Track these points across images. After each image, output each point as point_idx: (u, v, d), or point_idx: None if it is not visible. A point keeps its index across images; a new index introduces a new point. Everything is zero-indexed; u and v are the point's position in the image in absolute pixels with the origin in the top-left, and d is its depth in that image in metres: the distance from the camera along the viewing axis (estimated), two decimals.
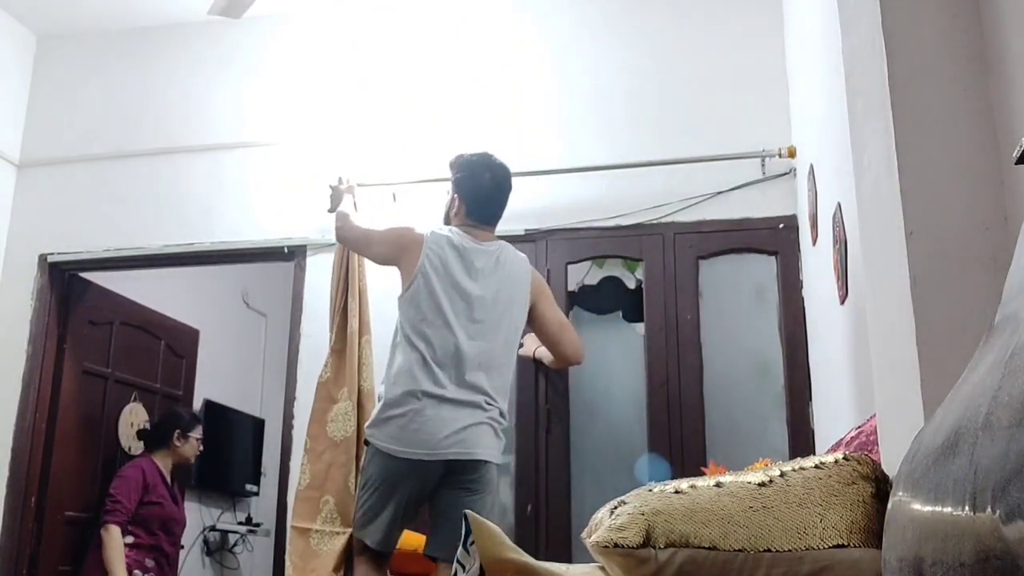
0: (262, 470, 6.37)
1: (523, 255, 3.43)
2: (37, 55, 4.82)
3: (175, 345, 5.24)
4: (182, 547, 4.75)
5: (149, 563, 4.26)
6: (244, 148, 4.46)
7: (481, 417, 3.08)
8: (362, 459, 3.29)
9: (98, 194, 4.55)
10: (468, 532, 1.62)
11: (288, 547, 3.56)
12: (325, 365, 3.77)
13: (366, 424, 3.26)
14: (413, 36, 4.41)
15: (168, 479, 4.52)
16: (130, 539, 4.21)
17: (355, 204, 3.85)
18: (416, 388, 3.05)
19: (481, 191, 3.35)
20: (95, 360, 4.68)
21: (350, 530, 3.39)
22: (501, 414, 3.16)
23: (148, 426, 4.82)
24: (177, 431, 4.58)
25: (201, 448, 4.72)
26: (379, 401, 3.19)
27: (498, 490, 3.19)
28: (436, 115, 4.25)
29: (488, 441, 3.09)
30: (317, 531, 3.49)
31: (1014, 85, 1.47)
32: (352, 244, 3.63)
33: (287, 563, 3.51)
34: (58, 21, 4.71)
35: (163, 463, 4.51)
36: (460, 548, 1.69)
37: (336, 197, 3.82)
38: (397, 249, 3.35)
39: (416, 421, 3.01)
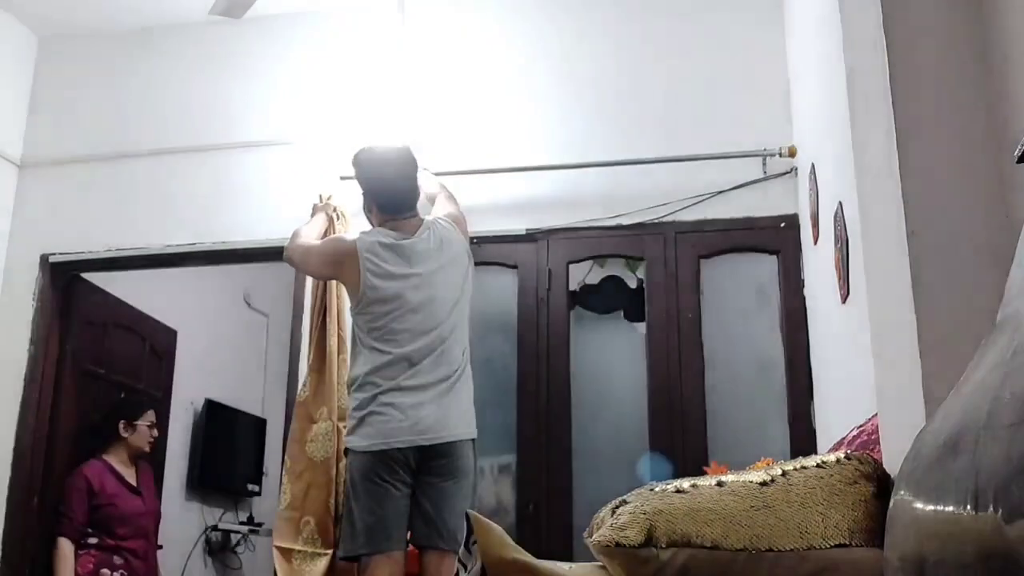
0: (264, 470, 6.37)
1: (445, 220, 3.40)
2: (38, 56, 4.81)
3: (156, 345, 5.23)
4: (160, 546, 4.60)
5: (117, 561, 4.20)
6: (245, 148, 4.46)
7: (449, 395, 3.09)
8: (344, 474, 3.28)
9: (100, 194, 4.55)
10: (470, 532, 1.62)
11: (275, 566, 3.51)
12: (303, 384, 3.73)
13: (344, 435, 3.26)
14: (415, 35, 4.41)
15: (125, 474, 4.37)
16: (93, 540, 4.18)
17: (332, 221, 3.84)
18: (381, 385, 3.06)
19: (384, 189, 3.34)
20: (92, 360, 4.67)
21: (331, 551, 3.38)
22: (465, 378, 3.17)
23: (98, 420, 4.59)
24: (122, 422, 4.42)
25: (155, 434, 4.52)
26: (349, 411, 3.19)
27: (477, 469, 3.18)
28: (437, 114, 4.24)
29: (457, 417, 3.09)
30: (299, 552, 3.46)
31: (1015, 84, 1.47)
32: (296, 264, 3.61)
33: None
34: (59, 22, 4.71)
35: (118, 458, 4.37)
36: (462, 548, 1.70)
37: (312, 213, 3.84)
38: (332, 266, 3.37)
39: (385, 414, 3.03)
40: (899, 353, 1.58)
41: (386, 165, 3.36)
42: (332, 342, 3.74)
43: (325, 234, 3.80)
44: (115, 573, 4.19)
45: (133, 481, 4.42)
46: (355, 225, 3.93)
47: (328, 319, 3.78)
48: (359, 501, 3.02)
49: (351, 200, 3.96)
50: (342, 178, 4.03)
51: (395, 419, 3.02)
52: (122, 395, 4.78)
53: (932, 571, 0.94)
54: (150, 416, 4.53)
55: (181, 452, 5.65)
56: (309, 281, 4.06)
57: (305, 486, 3.53)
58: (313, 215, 3.88)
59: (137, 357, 5.06)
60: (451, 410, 3.08)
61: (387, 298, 3.16)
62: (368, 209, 3.40)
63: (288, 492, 3.56)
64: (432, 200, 3.58)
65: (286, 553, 3.48)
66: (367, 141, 3.67)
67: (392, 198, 3.34)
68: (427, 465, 3.05)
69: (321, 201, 3.94)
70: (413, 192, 3.40)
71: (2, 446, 4.29)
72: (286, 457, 3.67)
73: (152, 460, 4.69)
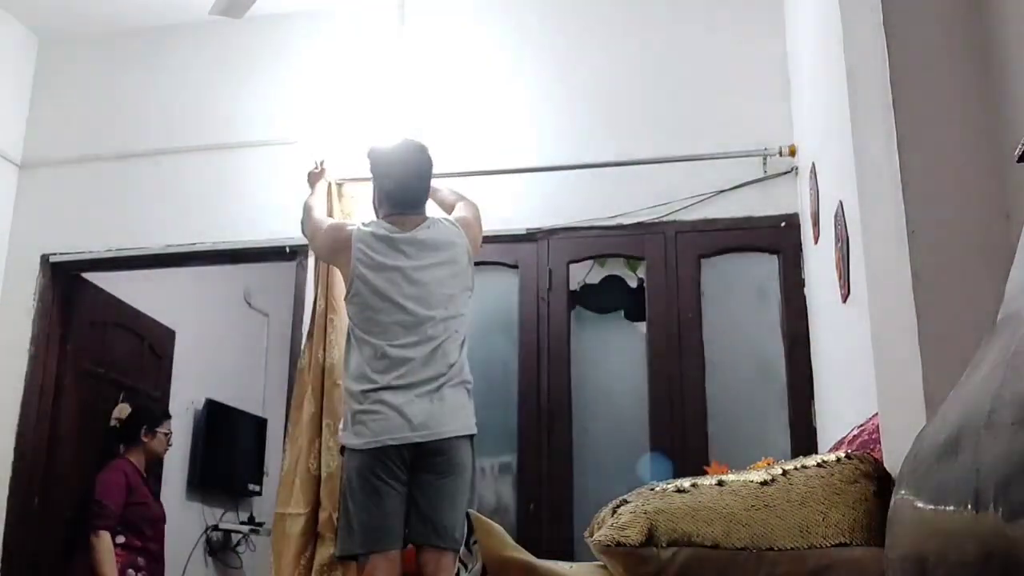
0: (264, 470, 6.37)
1: (451, 220, 3.39)
2: (39, 56, 4.82)
3: (156, 345, 5.24)
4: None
5: (140, 562, 4.26)
6: (246, 148, 4.46)
7: (441, 392, 3.08)
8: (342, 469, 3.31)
9: (100, 194, 4.55)
10: (471, 531, 1.62)
11: (272, 534, 3.64)
12: (302, 352, 3.81)
13: (339, 426, 3.28)
14: (416, 35, 4.41)
15: (145, 476, 4.49)
16: (121, 539, 4.20)
17: (331, 188, 3.87)
18: (375, 382, 3.06)
19: (396, 184, 3.34)
20: (92, 360, 4.68)
21: (307, 511, 3.50)
22: (463, 376, 3.16)
23: (118, 424, 4.69)
24: (144, 427, 4.53)
25: (170, 444, 4.67)
26: (344, 404, 3.21)
27: (475, 466, 3.17)
28: (437, 114, 4.24)
29: (451, 414, 3.07)
30: (290, 514, 3.56)
31: (1016, 83, 1.47)
32: (308, 240, 3.66)
33: (272, 550, 3.60)
34: (60, 22, 4.72)
35: (137, 460, 4.47)
36: (463, 547, 1.70)
37: (311, 183, 3.83)
38: (330, 252, 3.40)
39: (380, 412, 3.03)
40: (899, 352, 1.58)
41: (402, 161, 3.36)
42: (320, 303, 3.80)
43: (328, 206, 3.84)
44: (139, 574, 4.22)
45: (151, 485, 4.53)
46: (350, 199, 3.96)
47: (319, 285, 3.85)
48: (355, 500, 3.03)
49: (345, 168, 3.96)
50: (338, 183, 4.03)
51: (388, 417, 3.02)
52: (122, 396, 4.80)
53: (932, 570, 0.94)
54: (168, 425, 4.67)
55: (181, 452, 5.64)
56: (312, 278, 4.07)
57: (299, 450, 3.63)
58: (310, 183, 3.85)
59: (137, 357, 5.07)
60: (444, 407, 3.07)
61: (374, 289, 3.17)
62: (377, 202, 3.40)
63: (288, 457, 3.68)
64: (450, 209, 3.57)
65: (281, 518, 3.58)
66: (366, 141, 3.67)
67: (402, 194, 3.34)
68: (422, 462, 3.04)
69: (317, 167, 3.92)
70: (424, 191, 3.40)
71: (2, 446, 4.30)
72: (288, 424, 3.75)
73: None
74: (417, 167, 3.37)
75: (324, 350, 3.71)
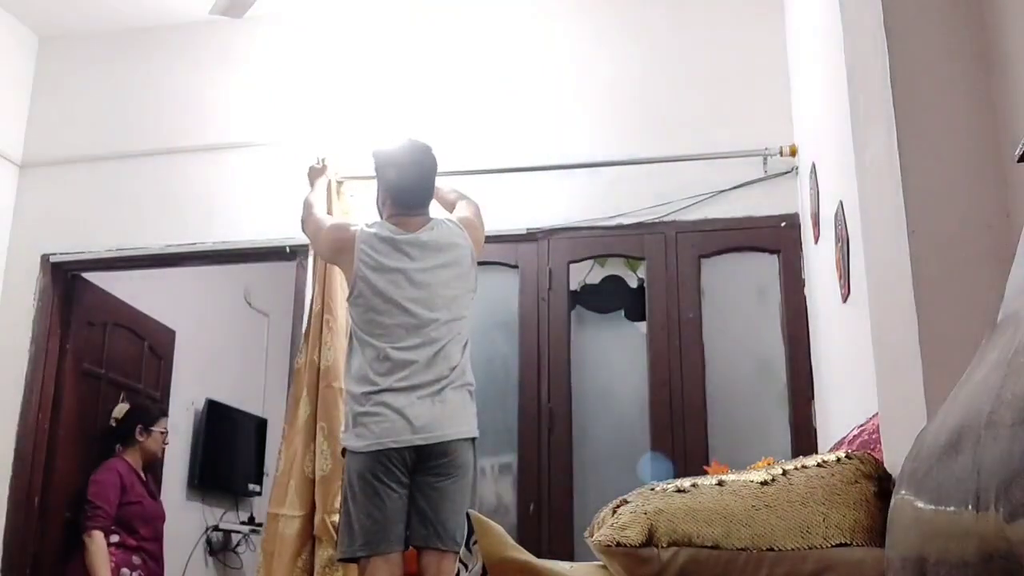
0: (264, 470, 6.37)
1: (454, 221, 3.39)
2: (39, 55, 4.82)
3: (156, 345, 5.24)
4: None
5: (136, 561, 4.25)
6: (245, 148, 4.46)
7: (444, 394, 3.07)
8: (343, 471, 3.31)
9: (100, 194, 4.55)
10: (471, 531, 1.62)
11: (263, 534, 3.64)
12: (299, 352, 3.80)
13: (340, 431, 3.28)
14: (415, 35, 4.41)
15: (141, 475, 4.49)
16: (115, 538, 4.20)
17: (331, 186, 3.87)
18: (376, 384, 3.06)
19: (400, 184, 3.34)
20: (92, 360, 4.68)
21: (304, 513, 3.51)
22: (465, 379, 3.16)
23: (115, 423, 4.68)
24: (139, 426, 4.52)
25: (166, 442, 4.66)
26: (346, 405, 3.21)
27: (476, 468, 3.17)
28: (438, 114, 4.25)
29: (453, 416, 3.07)
30: (283, 516, 3.56)
31: (1016, 83, 1.47)
32: (309, 240, 3.66)
33: (260, 549, 3.61)
34: (60, 22, 4.72)
35: (133, 459, 4.46)
36: (463, 547, 1.70)
37: (311, 178, 3.83)
38: (333, 252, 3.40)
39: (382, 414, 3.03)
40: (900, 352, 1.58)
41: (406, 162, 3.36)
42: (317, 304, 3.79)
43: (328, 204, 3.85)
44: (134, 573, 4.22)
45: (149, 484, 4.52)
46: (350, 197, 3.98)
47: (315, 283, 3.85)
48: (356, 502, 3.02)
49: (347, 166, 3.97)
50: (338, 181, 4.03)
51: (390, 419, 3.02)
52: (122, 396, 4.80)
53: (933, 571, 0.94)
54: (164, 424, 4.67)
55: (182, 452, 5.65)
56: (311, 276, 4.07)
57: (295, 451, 3.63)
58: (311, 180, 3.85)
59: (137, 357, 5.07)
60: (446, 410, 3.07)
61: (377, 291, 3.16)
62: (381, 202, 3.40)
63: (283, 458, 3.68)
64: (451, 208, 3.57)
65: (274, 518, 3.59)
66: (367, 140, 3.67)
67: (406, 195, 3.33)
68: (424, 465, 3.04)
69: (319, 163, 3.92)
70: (428, 191, 3.40)
71: (2, 446, 4.30)
72: (284, 425, 3.75)
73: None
74: (422, 168, 3.37)
75: (319, 352, 3.71)
